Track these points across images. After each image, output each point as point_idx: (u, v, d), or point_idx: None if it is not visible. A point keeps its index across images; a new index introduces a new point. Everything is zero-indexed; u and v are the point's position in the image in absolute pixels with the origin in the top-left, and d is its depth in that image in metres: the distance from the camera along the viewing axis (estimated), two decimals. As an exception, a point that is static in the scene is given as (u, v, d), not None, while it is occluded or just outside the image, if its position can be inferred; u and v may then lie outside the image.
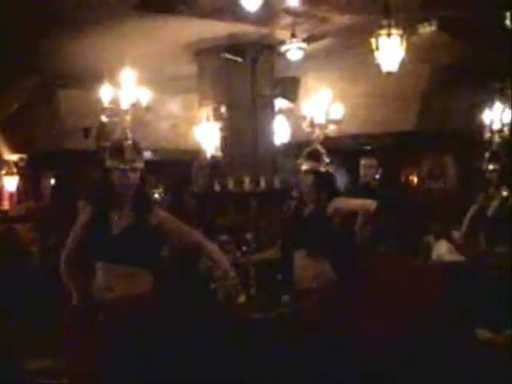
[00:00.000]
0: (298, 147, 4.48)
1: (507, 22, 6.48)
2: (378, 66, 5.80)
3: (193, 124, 8.39)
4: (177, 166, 10.69)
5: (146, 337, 3.16)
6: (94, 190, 3.56)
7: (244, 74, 8.08)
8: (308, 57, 7.60)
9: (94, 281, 3.35)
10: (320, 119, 4.52)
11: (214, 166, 8.12)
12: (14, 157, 10.81)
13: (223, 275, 3.46)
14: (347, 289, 3.95)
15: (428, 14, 7.02)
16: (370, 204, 4.01)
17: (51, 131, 10.15)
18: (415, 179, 10.67)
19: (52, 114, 10.07)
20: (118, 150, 3.36)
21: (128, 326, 3.17)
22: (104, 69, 4.30)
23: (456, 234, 5.89)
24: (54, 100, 9.92)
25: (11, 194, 10.83)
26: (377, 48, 5.68)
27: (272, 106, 8.51)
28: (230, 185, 7.91)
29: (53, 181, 10.96)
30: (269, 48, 8.07)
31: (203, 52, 8.20)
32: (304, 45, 7.34)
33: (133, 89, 3.69)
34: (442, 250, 6.19)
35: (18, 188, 10.85)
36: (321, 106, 4.54)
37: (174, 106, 10.52)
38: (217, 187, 8.00)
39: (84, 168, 9.06)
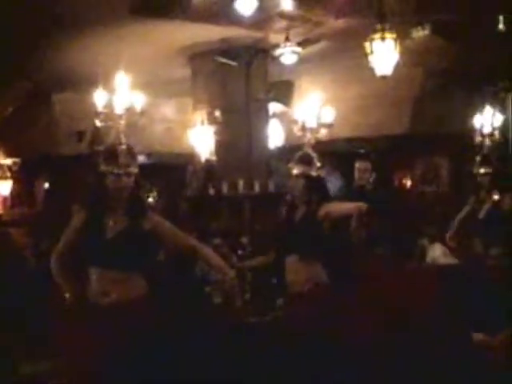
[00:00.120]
0: (293, 151, 4.47)
1: (500, 25, 6.52)
2: (371, 70, 5.82)
3: (187, 128, 8.39)
4: (171, 170, 10.68)
5: (141, 341, 3.15)
6: (88, 194, 3.55)
7: (238, 77, 8.07)
8: (302, 60, 7.61)
9: (88, 285, 3.34)
10: (311, 123, 4.51)
11: (209, 170, 8.12)
12: (8, 161, 10.78)
13: (222, 277, 3.47)
14: (339, 292, 3.96)
15: (421, 18, 7.04)
16: (361, 206, 4.01)
17: (45, 135, 10.13)
18: (409, 182, 10.69)
19: (46, 118, 10.05)
20: (112, 154, 3.36)
21: (123, 330, 3.16)
22: (99, 72, 4.28)
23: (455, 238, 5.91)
24: (48, 104, 9.90)
25: (5, 198, 10.80)
26: (371, 52, 5.70)
27: (266, 110, 8.52)
28: (225, 188, 7.91)
29: (47, 185, 10.93)
30: (263, 52, 8.07)
31: (197, 56, 8.20)
32: (298, 49, 7.35)
33: (127, 93, 3.67)
34: (437, 253, 6.22)
35: (11, 192, 10.82)
36: (312, 109, 4.53)
37: (168, 109, 10.52)
38: (211, 191, 8.00)
39: (78, 172, 9.04)
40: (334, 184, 8.97)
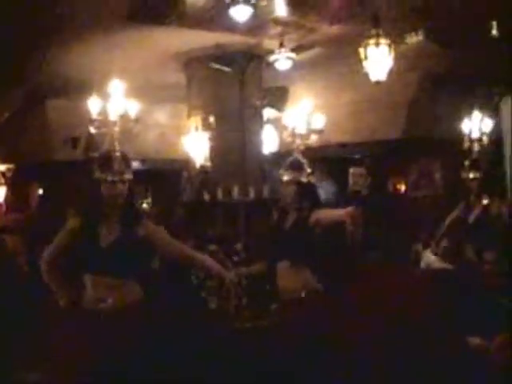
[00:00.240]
0: (286, 157, 4.48)
1: (494, 31, 6.55)
2: (366, 75, 5.84)
3: (181, 133, 8.39)
4: (165, 176, 10.68)
5: (137, 347, 3.14)
6: (82, 201, 3.55)
7: (232, 83, 8.08)
8: (296, 66, 7.63)
9: (83, 292, 3.34)
10: (301, 129, 4.50)
11: (203, 176, 8.11)
12: (2, 167, 10.75)
13: (220, 280, 3.47)
14: (332, 298, 3.96)
15: (415, 23, 7.07)
16: (352, 212, 4.00)
17: (40, 141, 10.11)
18: (403, 187, 10.70)
19: (41, 124, 10.03)
20: (106, 161, 3.36)
21: (118, 336, 3.16)
22: (93, 79, 4.29)
23: (442, 245, 5.93)
24: (42, 110, 9.89)
25: (-1, 205, 10.76)
26: (365, 57, 5.73)
27: (260, 116, 8.52)
28: (219, 194, 7.91)
29: (41, 191, 10.90)
30: (257, 58, 8.09)
31: (192, 62, 8.20)
32: (293, 55, 7.37)
33: (121, 100, 3.67)
34: (431, 258, 6.22)
35: (5, 198, 10.78)
36: (301, 115, 4.53)
37: (162, 115, 10.52)
38: (206, 197, 7.99)
39: (72, 178, 9.02)
40: (327, 189, 8.99)
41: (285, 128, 4.61)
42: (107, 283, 3.28)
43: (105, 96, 3.71)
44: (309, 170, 4.22)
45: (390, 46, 5.70)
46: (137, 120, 3.68)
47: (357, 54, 5.76)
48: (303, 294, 3.99)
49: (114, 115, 3.59)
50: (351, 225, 4.12)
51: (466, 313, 3.97)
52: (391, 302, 3.91)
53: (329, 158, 9.51)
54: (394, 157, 9.95)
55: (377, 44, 5.66)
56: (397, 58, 5.83)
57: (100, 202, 3.36)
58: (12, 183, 10.76)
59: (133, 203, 3.50)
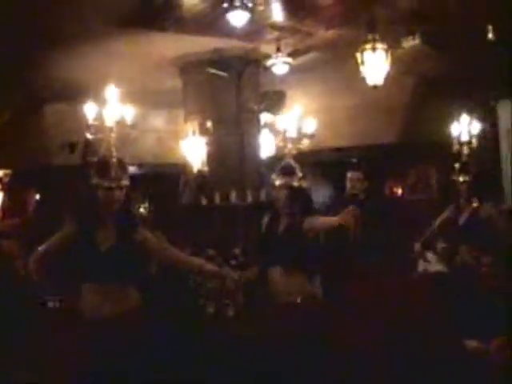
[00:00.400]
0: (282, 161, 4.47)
1: (490, 35, 6.58)
2: (362, 79, 5.86)
3: (178, 138, 8.39)
4: (163, 180, 10.67)
5: (134, 352, 3.14)
6: (79, 206, 3.55)
7: (229, 88, 8.09)
8: (293, 71, 7.64)
9: (81, 298, 3.33)
10: (292, 133, 4.50)
11: (201, 180, 8.11)
12: (-1, 172, 10.73)
13: (222, 279, 3.47)
14: (329, 302, 3.97)
15: (411, 27, 7.08)
16: (346, 216, 3.97)
17: (37, 146, 10.11)
18: (400, 191, 10.71)
19: (38, 129, 10.03)
20: (103, 167, 3.37)
21: (117, 342, 3.16)
22: (91, 83, 4.29)
23: (439, 246, 5.95)
24: (40, 115, 9.89)
25: (-4, 210, 10.73)
26: (362, 62, 5.75)
27: (258, 120, 8.53)
28: (217, 199, 7.91)
29: (38, 196, 10.89)
30: (254, 62, 8.10)
31: (188, 66, 8.20)
32: (289, 59, 7.39)
33: (117, 106, 3.67)
34: (430, 259, 6.23)
35: (2, 204, 10.76)
36: (292, 120, 4.52)
37: (159, 120, 10.53)
38: (204, 201, 7.99)
39: (70, 183, 9.01)
40: (323, 193, 9.00)
41: (278, 133, 4.61)
42: (106, 289, 3.28)
43: (101, 102, 3.72)
44: (300, 175, 4.20)
45: (386, 50, 5.72)
46: (133, 126, 3.68)
47: (353, 58, 5.78)
48: (299, 300, 3.97)
49: (110, 121, 3.59)
50: (349, 226, 4.09)
51: (464, 315, 3.98)
52: (389, 305, 3.91)
53: (325, 162, 9.51)
54: (391, 161, 9.97)
55: (373, 49, 5.68)
56: (393, 62, 5.85)
57: (97, 207, 3.37)
58: (9, 188, 10.75)
59: (129, 209, 3.50)
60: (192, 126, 8.11)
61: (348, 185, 5.83)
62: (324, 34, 7.17)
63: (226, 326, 4.11)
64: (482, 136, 6.20)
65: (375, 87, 5.84)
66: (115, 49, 7.10)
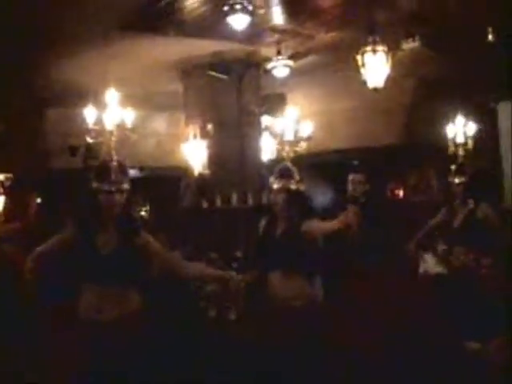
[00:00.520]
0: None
1: (490, 36, 6.58)
2: (362, 82, 5.85)
3: (179, 141, 8.40)
4: (164, 183, 10.67)
5: (136, 355, 3.15)
6: (79, 210, 3.55)
7: (230, 91, 8.10)
8: (293, 73, 7.65)
9: (82, 301, 3.33)
10: (288, 136, 4.50)
11: (202, 183, 8.12)
12: (0, 176, 10.72)
13: (225, 281, 3.47)
14: (329, 304, 3.96)
15: (411, 29, 7.09)
16: (348, 216, 3.96)
17: (38, 150, 10.11)
18: (401, 192, 10.71)
19: (39, 133, 10.04)
20: (104, 171, 3.37)
21: (118, 345, 3.16)
22: (91, 87, 4.30)
23: (440, 248, 5.95)
24: (41, 118, 9.90)
25: (-2, 214, 10.73)
26: (363, 65, 5.74)
27: (258, 123, 8.54)
28: (218, 201, 7.91)
29: (39, 200, 10.89)
30: (255, 65, 8.11)
31: (189, 70, 8.22)
32: (290, 62, 7.40)
33: (117, 109, 3.68)
34: (429, 263, 6.22)
35: (3, 208, 10.75)
36: (289, 123, 4.52)
37: (160, 123, 10.54)
38: (205, 204, 8.00)
39: (70, 188, 9.01)
40: (324, 195, 8.99)
41: (276, 136, 4.61)
42: (107, 292, 3.28)
43: (101, 105, 3.73)
44: (298, 178, 4.20)
45: (387, 53, 5.72)
46: (133, 129, 3.69)
47: (353, 60, 5.78)
48: (298, 303, 3.97)
49: (110, 125, 3.60)
50: (352, 224, 4.08)
51: (464, 316, 3.98)
52: (389, 306, 3.92)
53: (325, 164, 9.51)
54: (392, 163, 9.96)
55: (374, 51, 5.67)
56: (393, 64, 5.85)
57: (97, 211, 3.37)
58: (10, 192, 10.74)
59: (130, 213, 3.51)
60: (193, 129, 8.12)
61: (349, 187, 5.82)
62: (324, 36, 7.18)
63: (227, 329, 4.10)
64: (480, 137, 6.19)
65: (376, 90, 5.83)
66: (116, 52, 7.10)
